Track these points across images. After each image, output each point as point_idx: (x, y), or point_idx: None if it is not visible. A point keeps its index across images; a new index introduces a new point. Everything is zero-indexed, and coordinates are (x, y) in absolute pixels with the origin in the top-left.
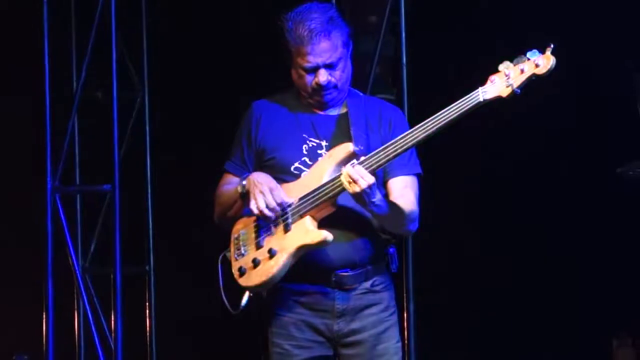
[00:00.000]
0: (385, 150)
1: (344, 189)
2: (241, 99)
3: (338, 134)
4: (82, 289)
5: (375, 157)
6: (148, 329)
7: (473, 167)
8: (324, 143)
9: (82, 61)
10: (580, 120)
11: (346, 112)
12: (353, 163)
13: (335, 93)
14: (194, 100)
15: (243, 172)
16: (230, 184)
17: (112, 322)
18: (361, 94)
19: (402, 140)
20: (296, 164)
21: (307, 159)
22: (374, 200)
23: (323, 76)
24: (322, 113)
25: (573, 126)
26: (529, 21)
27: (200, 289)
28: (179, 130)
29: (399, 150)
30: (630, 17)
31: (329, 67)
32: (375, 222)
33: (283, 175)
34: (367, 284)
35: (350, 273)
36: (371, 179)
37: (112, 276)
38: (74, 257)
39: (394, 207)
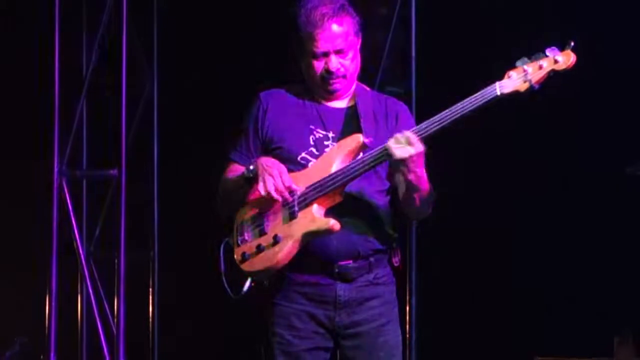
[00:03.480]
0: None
1: (356, 175)
2: (249, 88)
3: (346, 126)
4: (86, 273)
5: (424, 127)
6: (151, 314)
7: (478, 163)
8: (330, 134)
9: (93, 45)
10: (586, 117)
11: (354, 105)
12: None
13: (344, 83)
14: (203, 88)
15: (248, 161)
16: (235, 171)
17: (115, 307)
18: (368, 88)
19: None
20: (303, 154)
21: (314, 150)
22: (417, 170)
23: (333, 62)
24: (329, 105)
25: (579, 123)
26: (542, 17)
27: (203, 275)
28: (186, 117)
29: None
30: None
31: (339, 53)
32: (386, 213)
33: (289, 164)
34: (370, 277)
35: (352, 264)
36: (422, 147)
37: (116, 261)
38: (79, 241)
39: (427, 182)
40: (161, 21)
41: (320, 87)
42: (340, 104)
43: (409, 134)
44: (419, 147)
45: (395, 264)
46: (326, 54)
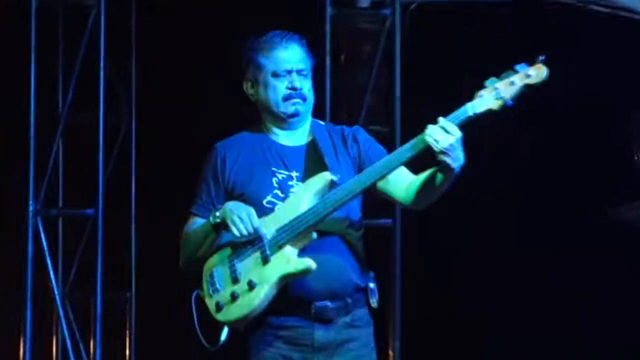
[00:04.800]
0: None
1: (328, 212)
2: (229, 128)
3: (308, 163)
4: (62, 314)
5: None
6: (127, 356)
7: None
8: (294, 174)
9: (69, 83)
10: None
11: (312, 141)
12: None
13: (304, 107)
14: (181, 124)
15: (209, 212)
16: (196, 224)
17: (91, 349)
18: (322, 122)
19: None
20: (268, 198)
21: (278, 192)
22: (460, 156)
23: (296, 79)
24: (289, 144)
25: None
26: (527, 56)
27: (181, 318)
28: (164, 155)
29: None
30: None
31: (300, 72)
32: (360, 249)
33: (255, 209)
34: (347, 318)
35: (330, 305)
36: (459, 132)
37: (92, 302)
38: (54, 282)
39: None
40: (139, 58)
41: (281, 110)
42: (299, 141)
43: (445, 121)
44: (458, 133)
45: (373, 305)
46: (289, 72)
